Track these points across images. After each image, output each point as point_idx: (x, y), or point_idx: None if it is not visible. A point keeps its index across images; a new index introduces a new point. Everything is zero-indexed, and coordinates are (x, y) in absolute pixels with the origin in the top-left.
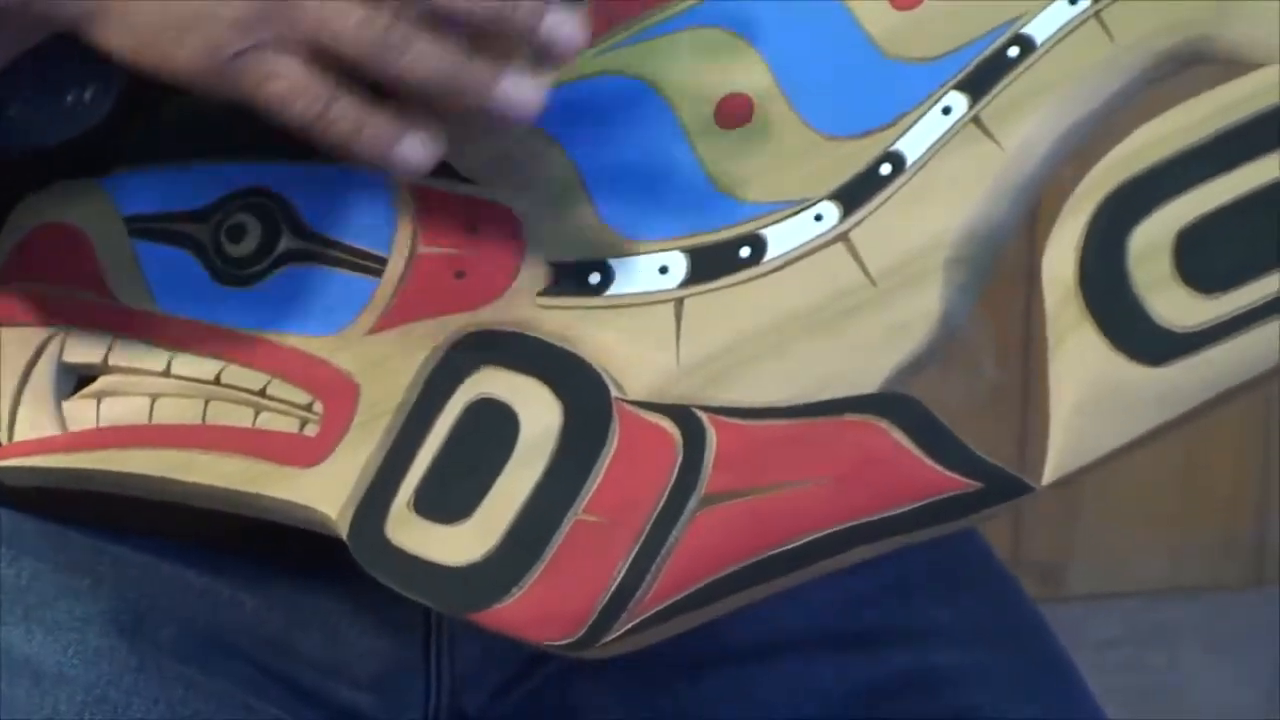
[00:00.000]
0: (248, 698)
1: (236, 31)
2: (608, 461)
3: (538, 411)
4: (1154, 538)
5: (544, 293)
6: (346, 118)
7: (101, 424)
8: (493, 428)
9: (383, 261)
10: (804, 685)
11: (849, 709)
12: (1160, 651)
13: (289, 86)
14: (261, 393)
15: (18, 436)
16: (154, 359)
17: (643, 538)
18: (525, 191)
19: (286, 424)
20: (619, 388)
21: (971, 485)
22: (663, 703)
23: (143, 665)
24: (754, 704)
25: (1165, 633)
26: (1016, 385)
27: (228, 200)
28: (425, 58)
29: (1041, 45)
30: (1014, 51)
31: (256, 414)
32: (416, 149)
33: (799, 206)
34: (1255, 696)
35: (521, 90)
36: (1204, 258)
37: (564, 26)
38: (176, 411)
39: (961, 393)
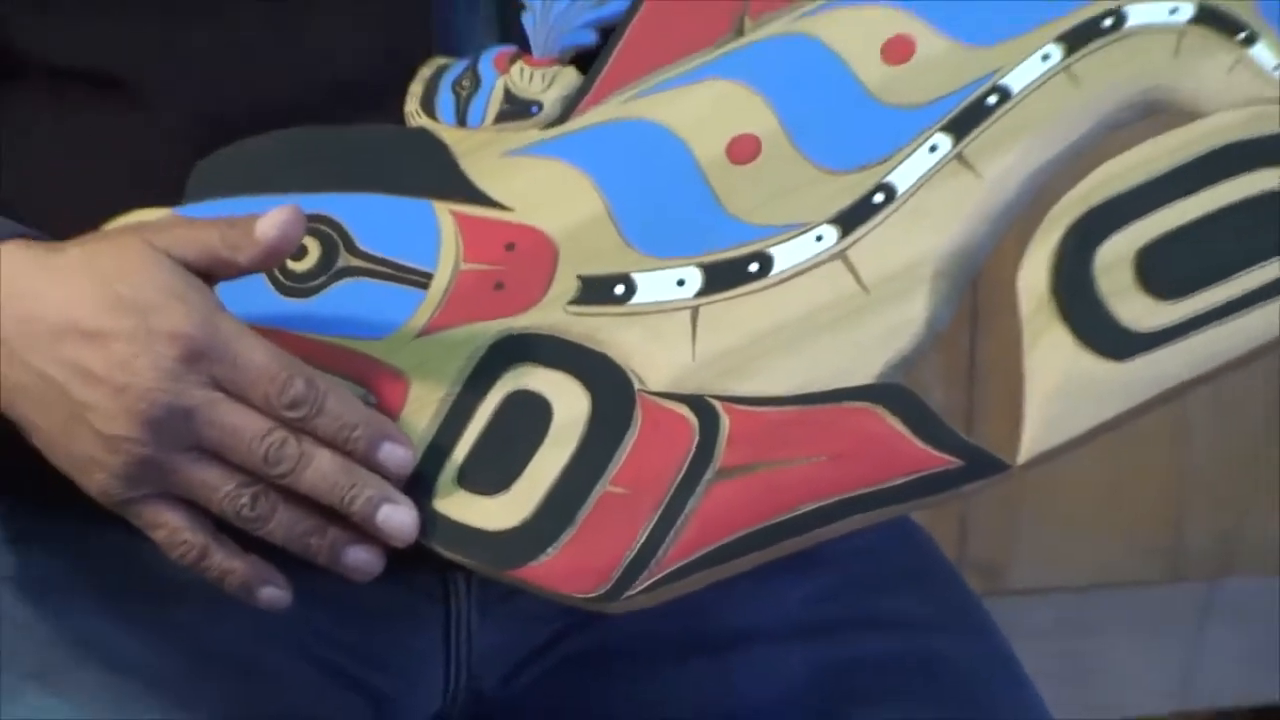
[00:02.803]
0: (296, 682)
1: (120, 483)
2: (631, 442)
3: (569, 401)
4: (1085, 539)
5: (573, 302)
6: (215, 567)
7: None
8: (529, 415)
9: (428, 276)
10: (776, 670)
11: (816, 688)
12: (1088, 640)
13: (167, 536)
14: None
15: None
16: None
17: (663, 506)
18: (558, 216)
19: None
20: (641, 381)
21: (956, 463)
22: (652, 685)
23: (206, 653)
24: (732, 687)
25: (1092, 624)
26: (961, 409)
27: None
28: (284, 528)
29: (1017, 94)
30: (993, 100)
31: None
32: (274, 595)
33: (802, 229)
34: (1170, 681)
35: (358, 558)
36: (1162, 270)
37: (394, 456)
38: None
39: None
